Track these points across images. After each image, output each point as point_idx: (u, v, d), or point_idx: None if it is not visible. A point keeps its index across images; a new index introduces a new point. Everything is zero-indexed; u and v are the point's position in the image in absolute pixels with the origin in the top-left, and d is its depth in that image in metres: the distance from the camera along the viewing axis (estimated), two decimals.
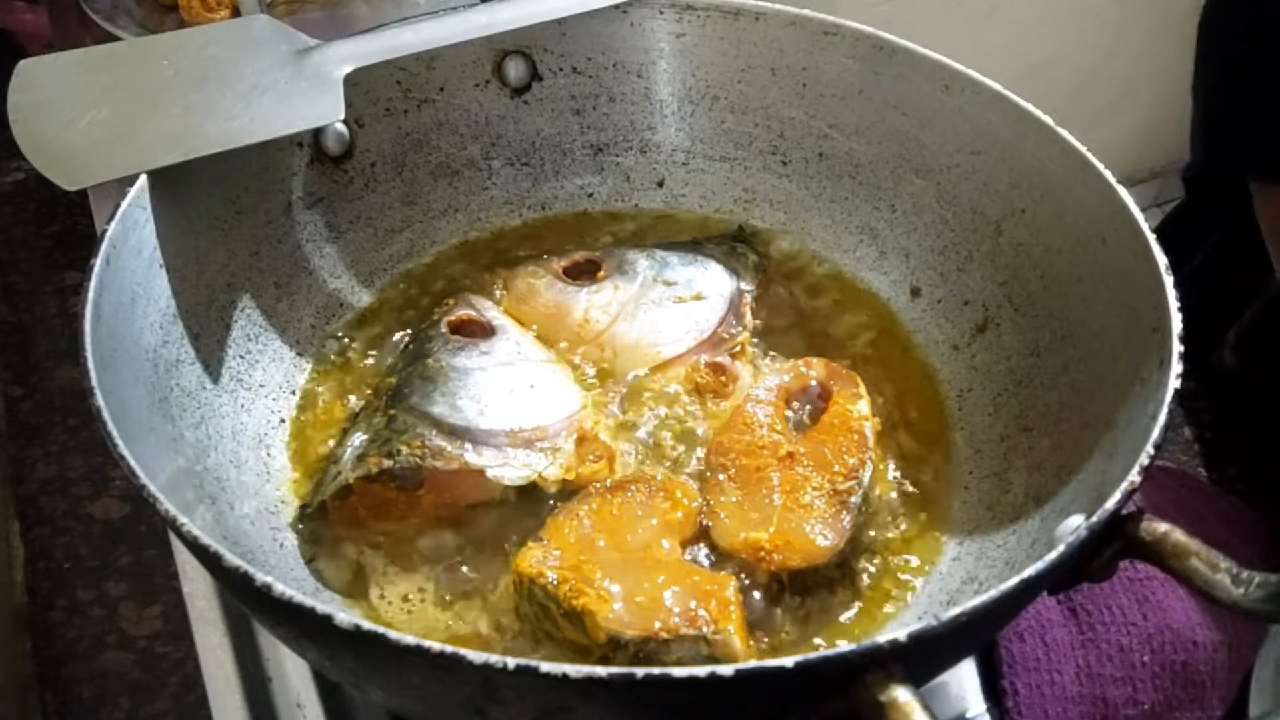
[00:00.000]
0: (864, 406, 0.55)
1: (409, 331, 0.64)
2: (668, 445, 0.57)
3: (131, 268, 0.50)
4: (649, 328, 0.62)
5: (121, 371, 0.47)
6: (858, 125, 0.67)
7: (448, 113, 0.69)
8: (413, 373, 0.58)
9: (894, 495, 0.56)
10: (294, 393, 0.61)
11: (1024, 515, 0.52)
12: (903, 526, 0.55)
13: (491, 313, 0.63)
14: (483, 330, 0.61)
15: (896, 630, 0.35)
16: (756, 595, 0.51)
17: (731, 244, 0.68)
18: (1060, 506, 0.49)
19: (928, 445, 0.59)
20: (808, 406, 0.57)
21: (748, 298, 0.65)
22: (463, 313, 0.62)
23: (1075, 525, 0.42)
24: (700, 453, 0.56)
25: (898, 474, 0.57)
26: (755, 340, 0.63)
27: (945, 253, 0.64)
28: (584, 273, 0.66)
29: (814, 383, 0.57)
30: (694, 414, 0.59)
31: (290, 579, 0.51)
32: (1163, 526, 0.40)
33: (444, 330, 0.61)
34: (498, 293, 0.65)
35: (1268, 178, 0.69)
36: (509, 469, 0.53)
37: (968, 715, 0.54)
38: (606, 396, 0.59)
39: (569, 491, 0.54)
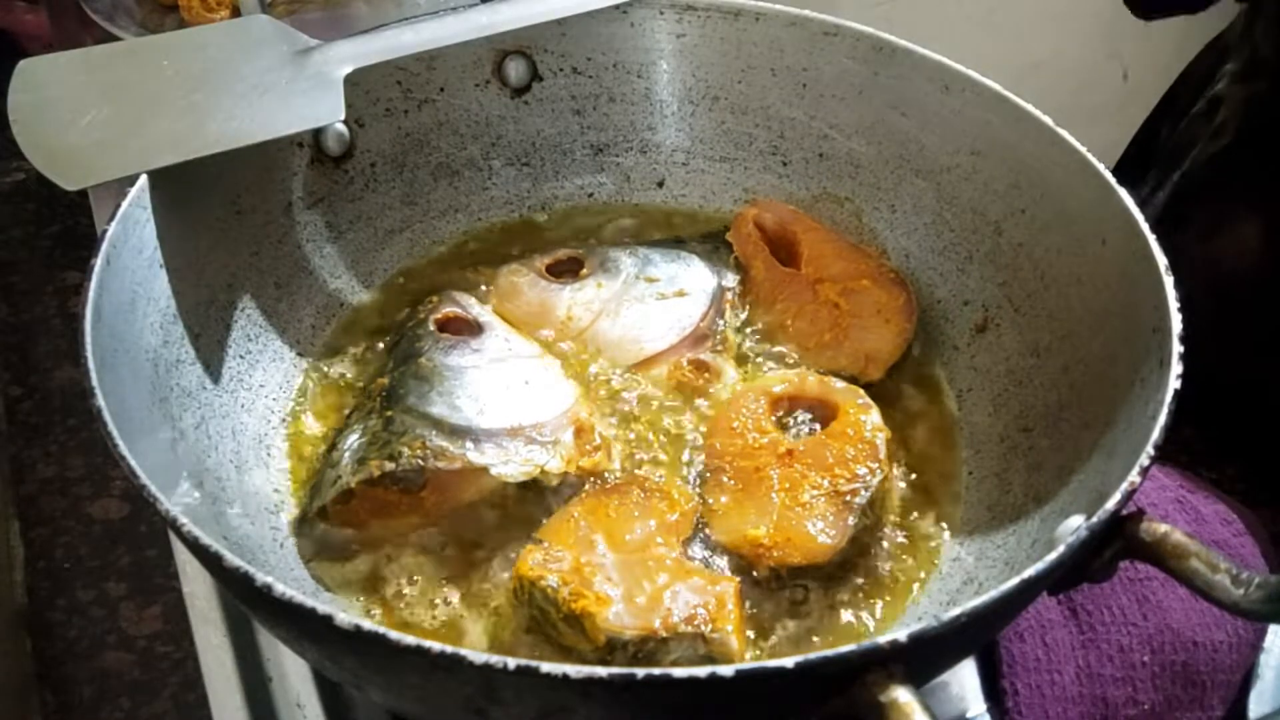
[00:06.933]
0: (876, 417, 0.55)
1: (397, 330, 0.64)
2: (655, 443, 0.57)
3: (131, 268, 0.50)
4: (632, 325, 0.62)
5: (121, 371, 0.47)
6: (858, 125, 0.67)
7: (448, 113, 0.69)
8: (405, 373, 0.57)
9: (894, 496, 0.56)
10: (294, 393, 0.61)
11: (1024, 515, 0.52)
12: (903, 527, 0.55)
13: (476, 309, 0.63)
14: (469, 327, 0.61)
15: (896, 630, 0.35)
16: (757, 594, 0.51)
17: (714, 242, 0.68)
18: (1060, 506, 0.49)
19: (928, 446, 0.59)
20: (808, 416, 0.57)
21: (730, 294, 0.65)
22: (448, 310, 0.62)
23: (1075, 525, 0.42)
24: (690, 452, 0.56)
25: (898, 475, 0.57)
26: (751, 338, 0.63)
27: (945, 253, 0.64)
28: (567, 270, 0.66)
29: (808, 395, 0.57)
30: (678, 411, 0.59)
31: (290, 579, 0.51)
32: (1163, 527, 0.40)
33: (432, 329, 0.61)
34: (482, 289, 0.65)
35: None
36: (512, 465, 0.53)
37: (968, 715, 0.54)
38: (593, 394, 0.59)
39: (569, 485, 0.54)
